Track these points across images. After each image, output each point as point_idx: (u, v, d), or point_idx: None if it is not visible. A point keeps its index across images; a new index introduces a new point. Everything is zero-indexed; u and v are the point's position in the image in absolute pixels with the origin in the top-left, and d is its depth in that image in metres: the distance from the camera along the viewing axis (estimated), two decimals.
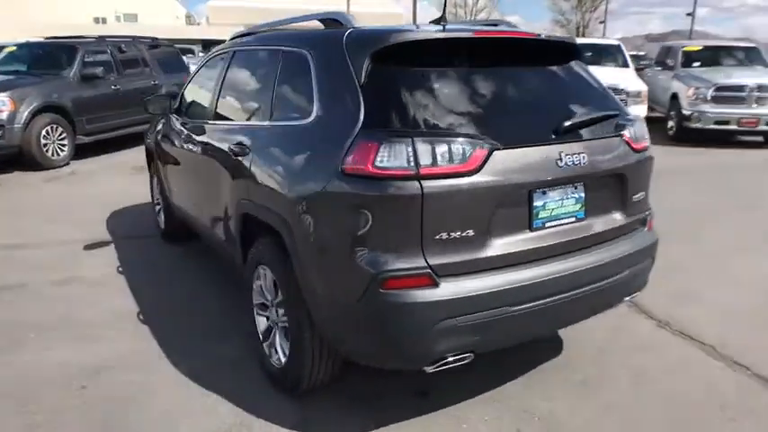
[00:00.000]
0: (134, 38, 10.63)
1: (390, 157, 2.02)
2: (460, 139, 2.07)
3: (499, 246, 2.18)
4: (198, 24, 50.83)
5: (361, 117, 2.13)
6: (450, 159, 2.04)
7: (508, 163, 2.13)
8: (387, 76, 2.22)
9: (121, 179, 7.62)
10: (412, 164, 2.00)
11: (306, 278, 2.30)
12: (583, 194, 2.40)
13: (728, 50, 11.58)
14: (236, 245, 3.00)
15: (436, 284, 2.07)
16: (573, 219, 2.39)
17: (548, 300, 2.26)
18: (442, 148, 2.03)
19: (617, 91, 9.37)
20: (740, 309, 3.67)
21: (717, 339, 3.22)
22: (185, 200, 4.08)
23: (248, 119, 3.08)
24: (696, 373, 2.94)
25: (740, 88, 9.43)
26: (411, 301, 2.04)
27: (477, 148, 2.07)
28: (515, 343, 2.55)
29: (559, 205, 2.33)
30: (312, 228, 2.22)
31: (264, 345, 2.83)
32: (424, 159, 2.01)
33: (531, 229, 2.27)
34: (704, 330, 3.33)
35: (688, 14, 29.03)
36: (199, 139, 3.54)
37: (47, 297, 3.89)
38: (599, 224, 2.47)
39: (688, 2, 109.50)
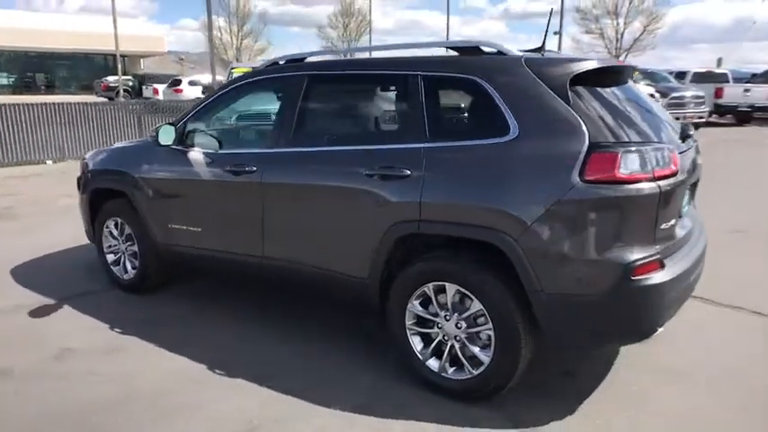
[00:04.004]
0: None
1: (630, 164, 2.42)
2: (664, 146, 2.58)
3: (678, 231, 2.73)
4: None
5: (586, 132, 2.47)
6: (665, 163, 2.53)
7: (681, 164, 2.69)
8: (587, 96, 2.61)
9: None
10: (648, 168, 2.44)
11: (537, 282, 2.51)
12: (688, 190, 3.06)
13: None
14: (375, 270, 2.99)
15: (663, 266, 2.52)
16: (686, 209, 3.03)
17: (694, 275, 2.87)
18: (659, 154, 2.52)
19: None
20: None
21: (711, 293, 4.04)
22: (221, 237, 3.71)
23: (385, 141, 3.06)
24: (723, 322, 3.78)
25: None
26: (654, 283, 2.46)
27: (674, 153, 2.60)
28: None
29: (684, 198, 2.96)
30: (549, 234, 2.46)
31: (431, 362, 2.91)
32: (653, 164, 2.47)
33: (680, 216, 2.85)
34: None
35: (555, 33, 27.66)
36: (271, 170, 3.35)
37: (63, 377, 3.14)
38: (691, 213, 3.17)
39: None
